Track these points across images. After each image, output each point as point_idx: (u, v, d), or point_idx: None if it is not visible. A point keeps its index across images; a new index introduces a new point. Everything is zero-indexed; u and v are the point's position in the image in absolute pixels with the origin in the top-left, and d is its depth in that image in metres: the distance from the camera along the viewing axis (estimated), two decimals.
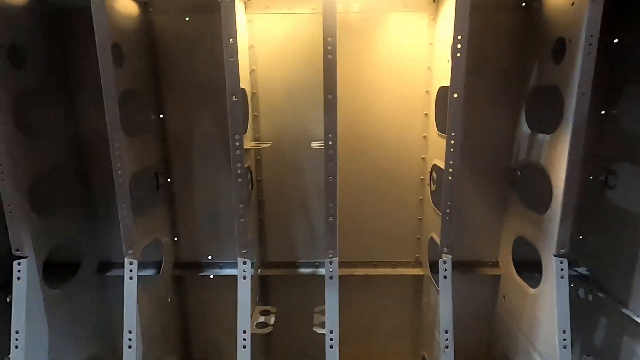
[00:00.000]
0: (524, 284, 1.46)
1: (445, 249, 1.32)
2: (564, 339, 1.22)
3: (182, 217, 1.68)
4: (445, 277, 1.31)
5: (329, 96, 1.20)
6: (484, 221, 1.65)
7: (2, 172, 1.25)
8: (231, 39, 1.17)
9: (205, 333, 1.82)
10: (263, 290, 1.74)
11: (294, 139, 1.60)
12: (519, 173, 1.52)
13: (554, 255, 1.25)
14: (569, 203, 1.20)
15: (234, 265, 1.68)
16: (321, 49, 1.16)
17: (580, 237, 1.59)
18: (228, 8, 1.15)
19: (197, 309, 1.78)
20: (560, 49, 1.22)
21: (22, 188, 1.30)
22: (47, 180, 1.41)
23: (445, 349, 1.31)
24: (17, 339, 1.30)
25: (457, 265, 1.35)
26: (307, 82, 1.55)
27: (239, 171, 1.25)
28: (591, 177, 1.54)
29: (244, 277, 1.32)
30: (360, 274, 1.70)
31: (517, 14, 1.45)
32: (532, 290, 1.39)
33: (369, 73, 1.55)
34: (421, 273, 1.69)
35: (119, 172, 1.27)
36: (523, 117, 1.48)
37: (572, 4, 1.15)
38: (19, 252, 1.31)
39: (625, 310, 1.39)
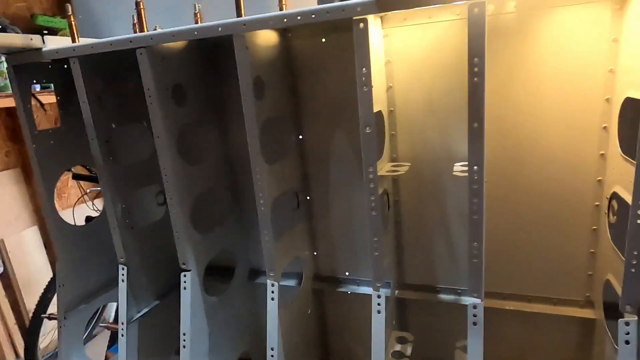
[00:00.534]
0: None
1: (628, 307, 1.05)
2: None
3: (320, 233, 1.71)
4: (627, 342, 1.05)
5: (475, 124, 1.04)
6: None
7: (171, 199, 1.43)
8: (364, 69, 1.10)
9: (343, 345, 1.85)
10: (400, 312, 1.68)
11: (434, 157, 1.46)
12: None
13: None
14: None
15: (369, 283, 1.67)
16: (466, 57, 1.00)
17: None
18: (361, 36, 1.08)
19: (335, 322, 1.82)
20: None
21: (185, 210, 1.47)
22: (204, 200, 1.58)
23: None
24: (184, 340, 1.50)
25: None
26: (450, 96, 1.39)
27: (373, 204, 1.20)
28: None
29: (379, 312, 1.27)
30: (511, 308, 1.50)
31: None
32: None
33: (526, 80, 1.30)
34: (592, 316, 1.41)
35: (261, 201, 1.33)
36: None
37: None
38: (184, 266, 1.50)
39: None
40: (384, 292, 1.27)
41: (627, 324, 1.05)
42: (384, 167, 1.38)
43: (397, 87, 1.44)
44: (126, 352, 1.60)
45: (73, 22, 1.38)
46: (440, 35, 1.35)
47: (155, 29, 1.41)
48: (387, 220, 1.48)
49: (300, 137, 1.61)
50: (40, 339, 2.82)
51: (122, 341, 1.60)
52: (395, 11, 1.10)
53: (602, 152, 1.28)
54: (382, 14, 1.31)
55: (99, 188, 2.92)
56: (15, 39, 1.31)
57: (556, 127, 1.32)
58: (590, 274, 1.40)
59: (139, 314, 1.67)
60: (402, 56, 1.41)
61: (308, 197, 1.67)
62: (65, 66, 1.62)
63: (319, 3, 1.21)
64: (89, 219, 2.78)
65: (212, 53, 1.61)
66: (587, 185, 1.33)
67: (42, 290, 2.82)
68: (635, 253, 1.00)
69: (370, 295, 1.58)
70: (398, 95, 1.45)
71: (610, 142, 1.24)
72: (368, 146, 1.16)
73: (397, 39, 1.40)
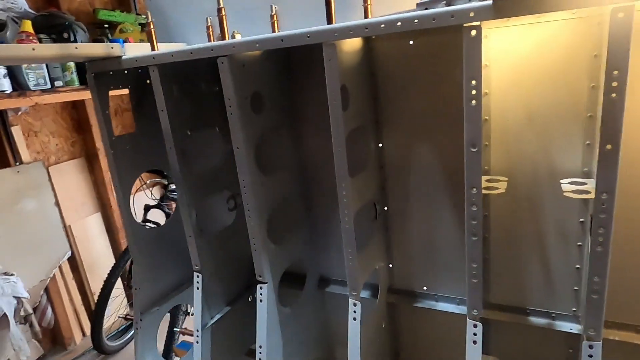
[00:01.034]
0: None
1: None
2: None
3: (397, 244, 1.63)
4: None
5: (607, 146, 0.91)
6: None
7: (249, 210, 1.39)
8: (474, 81, 0.99)
9: None
10: (485, 334, 1.58)
11: (532, 171, 1.33)
12: None
13: None
14: None
15: (449, 300, 1.58)
16: (579, 62, 0.87)
17: None
18: (473, 45, 0.97)
19: (409, 337, 1.75)
20: None
21: (262, 222, 1.43)
22: (279, 211, 1.53)
23: None
24: (260, 353, 1.48)
25: None
26: (554, 105, 1.24)
27: (474, 229, 1.10)
28: None
29: (474, 342, 1.18)
30: (617, 338, 1.36)
31: None
32: None
33: None
34: None
35: (346, 218, 1.27)
36: None
37: None
38: (260, 278, 1.47)
39: None
40: (480, 323, 1.17)
41: None
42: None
43: (493, 94, 1.31)
44: (201, 359, 1.60)
45: (152, 30, 1.34)
46: (548, 37, 1.20)
47: (233, 36, 1.35)
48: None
49: (380, 145, 1.52)
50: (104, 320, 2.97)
51: (197, 348, 1.61)
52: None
53: None
54: None
55: (158, 179, 2.99)
56: (98, 48, 1.29)
57: None
58: None
59: (212, 321, 1.67)
60: (501, 60, 1.27)
61: (385, 208, 1.59)
62: (140, 70, 1.60)
63: (418, 6, 1.10)
64: (147, 207, 2.85)
65: (287, 59, 1.54)
66: None
67: (107, 275, 2.95)
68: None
69: (452, 313, 1.51)
70: (494, 103, 1.32)
71: None
72: (473, 165, 1.06)
73: (497, 40, 1.26)
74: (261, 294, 1.47)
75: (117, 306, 3.25)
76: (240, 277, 1.85)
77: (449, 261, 1.54)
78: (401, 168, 1.52)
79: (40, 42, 2.57)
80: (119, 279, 3.04)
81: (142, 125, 1.65)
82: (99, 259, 3.39)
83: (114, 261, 3.21)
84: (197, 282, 1.59)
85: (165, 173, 1.81)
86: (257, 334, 1.47)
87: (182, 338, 2.19)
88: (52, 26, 2.77)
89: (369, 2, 1.20)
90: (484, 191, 1.28)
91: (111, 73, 1.49)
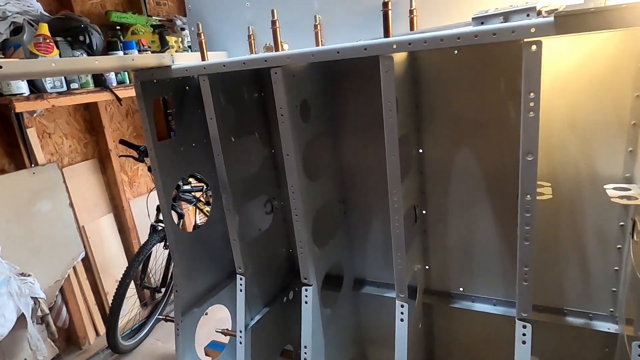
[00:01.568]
0: None
1: None
2: None
3: (434, 247, 1.67)
4: None
5: None
6: None
7: (297, 215, 1.42)
8: (532, 94, 1.03)
9: None
10: None
11: (574, 177, 1.38)
12: None
13: None
14: None
15: (486, 300, 1.63)
16: (624, 72, 0.91)
17: None
18: (533, 60, 1.01)
19: (444, 338, 1.79)
20: None
21: (308, 227, 1.47)
22: (322, 215, 1.57)
23: None
24: (305, 353, 1.52)
25: None
26: (598, 113, 1.29)
27: (528, 234, 1.14)
28: None
29: (523, 342, 1.23)
30: None
31: None
32: None
33: None
34: None
35: (396, 223, 1.30)
36: None
37: None
38: (306, 280, 1.50)
39: None
40: (529, 324, 1.22)
41: None
42: None
43: None
44: (244, 359, 1.64)
45: (203, 40, 1.36)
46: (595, 47, 1.25)
47: (281, 46, 1.37)
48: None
49: (421, 150, 1.56)
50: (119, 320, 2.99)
51: (240, 348, 1.64)
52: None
53: None
54: None
55: None
56: (152, 59, 1.31)
57: None
58: None
59: (253, 322, 1.71)
60: (547, 68, 1.31)
61: (424, 212, 1.63)
62: (179, 78, 1.62)
63: (473, 20, 1.13)
64: (159, 208, 2.88)
65: (330, 68, 1.57)
66: None
67: (122, 275, 2.97)
68: None
69: (488, 313, 1.56)
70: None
71: None
72: (528, 173, 1.10)
73: (544, 49, 1.30)
74: (306, 296, 1.51)
75: (131, 306, 3.27)
76: (277, 279, 1.89)
77: (486, 263, 1.58)
78: (440, 173, 1.57)
79: (57, 45, 2.55)
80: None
81: (181, 131, 1.67)
82: (112, 259, 3.40)
83: (126, 261, 3.22)
84: (241, 285, 1.62)
85: (199, 176, 1.82)
86: (302, 335, 1.51)
87: (212, 338, 2.22)
88: (67, 29, 2.75)
89: (415, 14, 1.23)
90: None
91: (154, 81, 1.51)
